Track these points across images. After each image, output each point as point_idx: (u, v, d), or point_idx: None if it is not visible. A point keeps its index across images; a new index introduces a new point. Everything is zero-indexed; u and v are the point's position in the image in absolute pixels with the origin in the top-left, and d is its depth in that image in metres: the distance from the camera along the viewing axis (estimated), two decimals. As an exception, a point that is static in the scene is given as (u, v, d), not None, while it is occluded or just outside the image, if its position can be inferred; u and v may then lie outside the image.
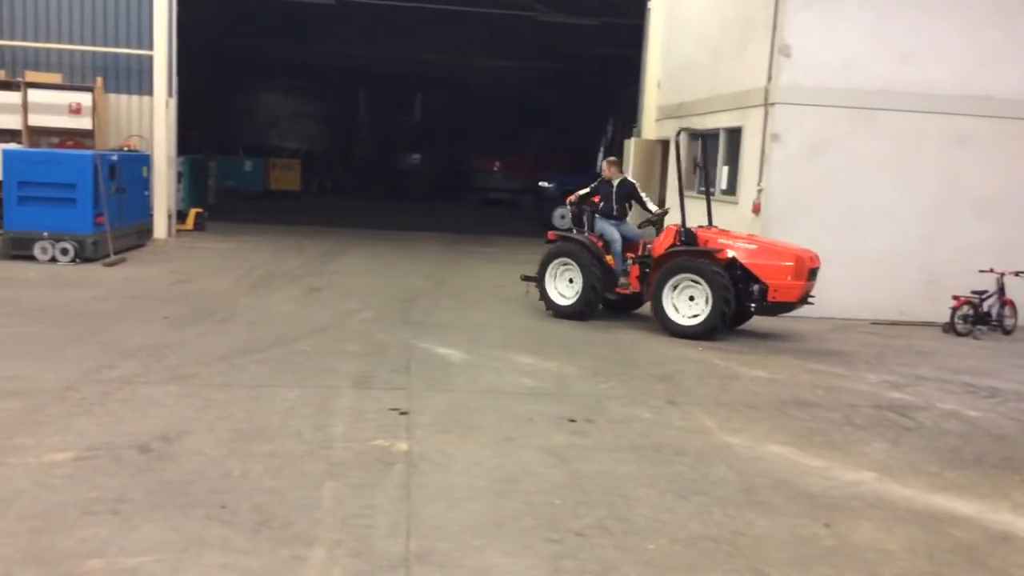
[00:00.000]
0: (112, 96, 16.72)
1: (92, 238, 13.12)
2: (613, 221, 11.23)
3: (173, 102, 17.02)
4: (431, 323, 10.41)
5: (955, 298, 11.43)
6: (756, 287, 10.11)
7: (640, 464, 5.84)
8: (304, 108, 36.65)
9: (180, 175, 18.22)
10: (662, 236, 10.84)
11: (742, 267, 10.15)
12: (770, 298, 10.04)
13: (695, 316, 10.11)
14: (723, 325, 10.09)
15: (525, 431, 6.42)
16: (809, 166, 12.00)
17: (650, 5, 17.47)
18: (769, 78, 12.01)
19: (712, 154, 14.07)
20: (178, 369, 7.55)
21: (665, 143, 16.37)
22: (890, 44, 11.84)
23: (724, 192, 13.45)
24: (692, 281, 10.12)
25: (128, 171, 14.55)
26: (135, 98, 16.85)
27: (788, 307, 10.25)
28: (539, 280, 11.24)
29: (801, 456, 6.24)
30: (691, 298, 10.17)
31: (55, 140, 16.12)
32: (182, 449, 5.63)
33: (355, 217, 23.45)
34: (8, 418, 6.00)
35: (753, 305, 10.19)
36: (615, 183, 11.36)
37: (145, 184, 15.83)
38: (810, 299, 10.30)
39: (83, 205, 12.97)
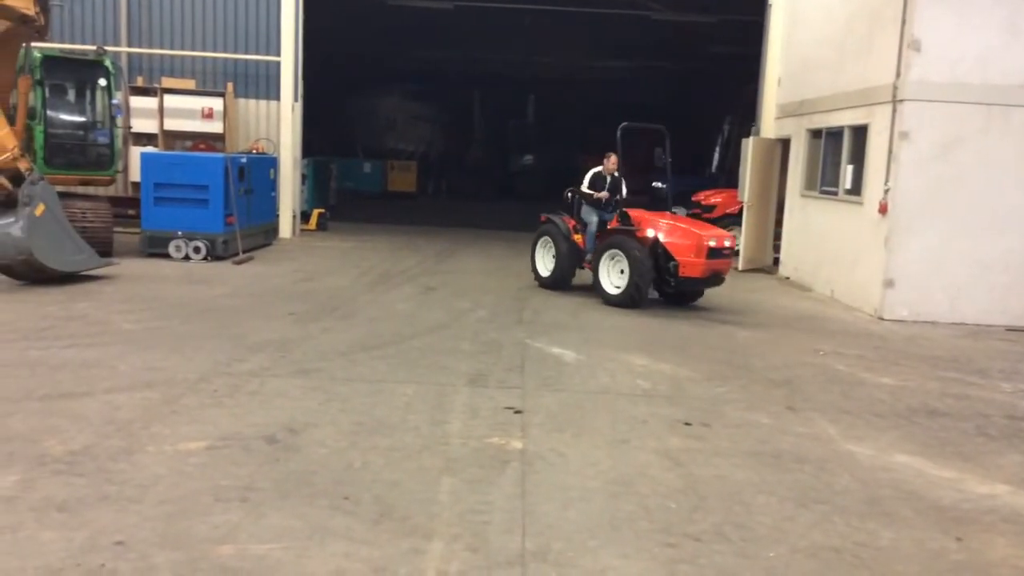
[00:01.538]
0: (241, 101, 17.47)
1: (223, 237, 13.73)
2: (599, 209, 12.52)
3: (298, 106, 17.65)
4: (544, 322, 10.46)
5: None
6: (672, 264, 11.50)
7: (759, 470, 5.72)
8: (420, 111, 37.31)
9: (304, 177, 18.85)
10: (614, 219, 12.24)
11: (663, 246, 11.52)
12: (680, 274, 11.42)
13: (617, 287, 11.67)
14: (640, 296, 11.44)
15: (639, 433, 6.37)
16: (940, 165, 11.49)
17: (771, 1, 17.06)
18: (898, 74, 11.55)
19: (835, 153, 13.67)
20: (303, 363, 7.83)
21: (785, 142, 15.97)
22: (1028, 37, 11.23)
23: (848, 192, 13.02)
24: (620, 256, 11.64)
25: (256, 173, 15.17)
26: (263, 102, 17.58)
27: (696, 283, 11.60)
28: (532, 254, 13.18)
29: (930, 467, 5.99)
30: (621, 271, 11.69)
31: (188, 143, 16.94)
32: (307, 440, 5.84)
33: (469, 217, 23.75)
34: (146, 408, 6.34)
35: (672, 280, 11.65)
36: (609, 178, 12.62)
37: (272, 185, 16.47)
38: (718, 279, 11.71)
39: (215, 205, 13.59)
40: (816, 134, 14.53)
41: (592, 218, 12.45)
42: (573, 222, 12.71)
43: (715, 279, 11.64)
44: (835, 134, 13.67)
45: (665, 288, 11.94)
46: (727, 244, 11.55)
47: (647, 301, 11.56)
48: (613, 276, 11.80)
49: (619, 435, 6.30)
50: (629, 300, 11.42)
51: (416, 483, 5.21)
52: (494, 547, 4.42)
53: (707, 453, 6.01)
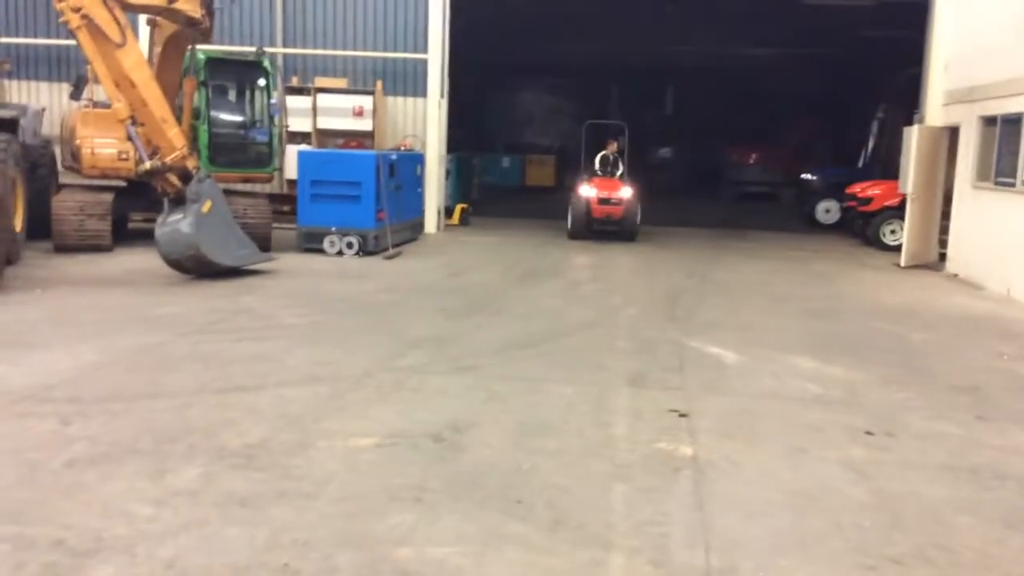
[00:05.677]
0: (389, 98, 17.77)
1: (374, 233, 13.98)
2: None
3: (444, 103, 17.81)
4: (698, 321, 10.13)
5: None
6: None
7: (956, 486, 5.28)
8: (558, 105, 37.15)
9: (448, 172, 19.03)
10: None
11: (586, 200, 17.36)
12: (592, 215, 17.33)
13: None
14: (574, 230, 17.50)
15: (817, 442, 6.01)
16: None
17: (937, -19, 16.02)
18: (1090, 54, 10.60)
19: (1012, 141, 12.69)
20: (460, 360, 7.81)
21: (954, 130, 14.97)
22: None
23: (1027, 183, 12.06)
24: None
25: (404, 169, 15.38)
26: (410, 100, 17.83)
27: (599, 221, 17.34)
28: (567, 215, 17.77)
29: None
30: None
31: (340, 141, 17.35)
32: (472, 440, 5.78)
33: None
34: (316, 402, 6.44)
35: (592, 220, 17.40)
36: (612, 158, 18.06)
37: (419, 181, 16.68)
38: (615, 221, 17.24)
39: (367, 202, 13.83)
40: (990, 121, 13.53)
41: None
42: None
43: (613, 220, 17.30)
44: (1012, 121, 12.68)
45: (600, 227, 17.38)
46: (614, 194, 17.22)
47: (582, 233, 17.26)
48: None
49: (795, 443, 5.96)
50: (571, 233, 17.41)
51: (587, 489, 5.05)
52: (677, 562, 4.22)
53: (895, 466, 5.60)
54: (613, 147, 18.04)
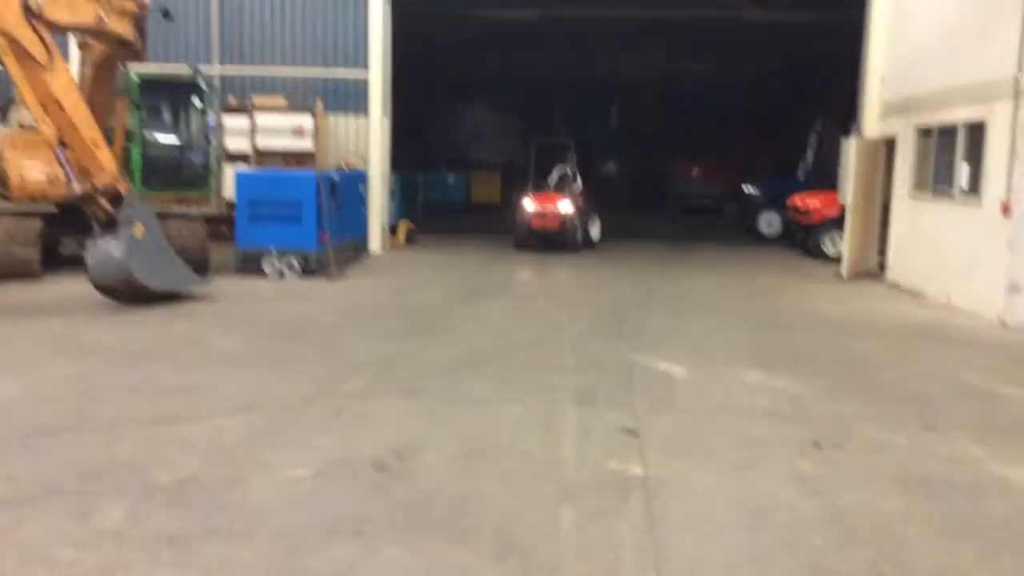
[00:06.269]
0: (331, 117, 17.51)
1: (316, 254, 13.69)
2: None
3: (387, 121, 17.61)
4: (646, 335, 10.07)
5: None
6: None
7: (906, 498, 5.23)
8: (503, 121, 37.14)
9: (392, 191, 18.81)
10: None
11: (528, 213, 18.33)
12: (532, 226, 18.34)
13: None
14: (518, 240, 18.46)
15: (766, 456, 5.94)
16: (1071, 161, 10.70)
17: (872, -3, 16.30)
18: (1020, 66, 10.81)
19: (948, 151, 12.91)
20: (404, 383, 7.61)
21: (891, 142, 15.21)
22: None
23: (964, 193, 12.26)
24: None
25: (347, 188, 15.11)
26: (352, 118, 17.58)
27: (537, 232, 18.28)
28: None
29: (1099, 495, 5.41)
30: None
31: (280, 160, 17.03)
32: (417, 467, 5.58)
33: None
34: (251, 432, 6.18)
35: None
36: (569, 173, 19.17)
37: (362, 200, 16.43)
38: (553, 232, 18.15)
39: (308, 222, 13.55)
40: (926, 132, 13.77)
41: None
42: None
43: (549, 232, 18.14)
44: (948, 132, 12.91)
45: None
46: (549, 208, 18.08)
47: (524, 243, 18.24)
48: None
49: (745, 459, 5.88)
50: (515, 243, 18.44)
51: (535, 514, 4.90)
52: (629, 588, 4.08)
53: (845, 479, 5.54)
54: (571, 164, 19.57)
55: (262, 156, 16.93)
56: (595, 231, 19.34)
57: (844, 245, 15.73)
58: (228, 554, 4.30)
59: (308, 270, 13.62)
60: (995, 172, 11.34)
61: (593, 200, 20.07)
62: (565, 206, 18.19)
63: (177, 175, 14.32)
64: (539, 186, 19.10)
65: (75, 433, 6.05)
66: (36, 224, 12.88)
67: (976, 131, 11.96)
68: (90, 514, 4.73)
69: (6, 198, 13.38)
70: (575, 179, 19.30)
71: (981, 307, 11.57)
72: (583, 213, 18.70)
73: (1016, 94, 10.87)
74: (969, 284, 12.00)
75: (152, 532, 4.52)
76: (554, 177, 19.13)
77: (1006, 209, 11.01)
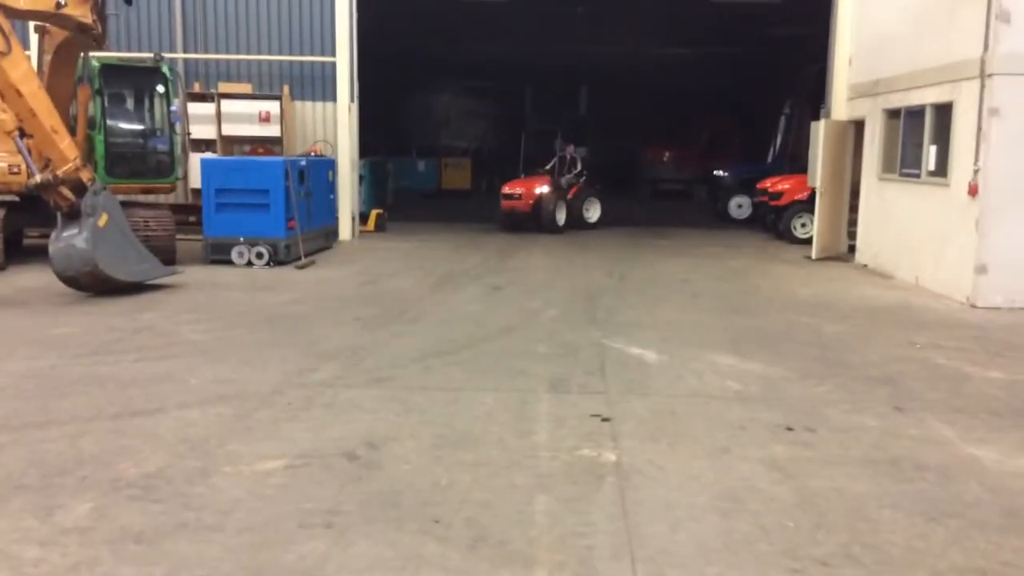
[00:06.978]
0: (298, 103, 17.31)
1: (284, 242, 13.54)
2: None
3: (355, 107, 17.43)
4: (619, 321, 10.05)
5: None
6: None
7: (877, 481, 5.25)
8: (473, 107, 36.93)
9: (361, 178, 18.65)
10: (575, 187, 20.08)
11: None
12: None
13: None
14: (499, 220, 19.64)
15: (740, 440, 5.94)
16: (1035, 143, 10.80)
17: (838, -22, 16.34)
18: (985, 47, 10.88)
19: (916, 133, 12.99)
20: (376, 372, 7.53)
21: (859, 124, 15.29)
22: None
23: (932, 174, 12.35)
24: None
25: (315, 176, 14.95)
26: (319, 104, 17.39)
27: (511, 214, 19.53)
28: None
29: (1066, 473, 5.46)
30: None
31: (247, 148, 16.82)
32: (388, 457, 5.52)
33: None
34: (220, 424, 6.09)
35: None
36: (569, 159, 19.91)
37: (331, 188, 16.26)
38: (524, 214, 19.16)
39: (276, 210, 13.39)
40: (894, 114, 13.84)
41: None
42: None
43: (520, 213, 19.06)
44: (915, 113, 13.00)
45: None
46: (516, 190, 19.12)
47: (501, 223, 19.39)
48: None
49: (718, 443, 5.87)
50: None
51: (508, 502, 4.86)
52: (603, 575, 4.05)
53: (817, 462, 5.55)
54: (570, 149, 20.17)
55: (228, 143, 16.72)
56: (593, 213, 20.46)
57: (814, 228, 15.82)
58: (197, 550, 4.22)
59: (277, 259, 13.47)
60: (962, 153, 11.43)
61: (598, 185, 21.24)
62: (540, 188, 19.06)
63: (142, 164, 14.08)
64: (530, 171, 20.09)
65: (38, 429, 5.92)
66: (-3, 214, 12.64)
67: (943, 113, 12.04)
68: (55, 511, 4.63)
69: (-34, 188, 13.11)
70: (575, 164, 20.09)
71: (950, 288, 11.69)
72: (576, 196, 19.91)
73: (982, 75, 10.95)
74: (938, 265, 12.12)
75: (119, 528, 4.43)
76: (553, 162, 19.98)
77: (973, 191, 11.10)
